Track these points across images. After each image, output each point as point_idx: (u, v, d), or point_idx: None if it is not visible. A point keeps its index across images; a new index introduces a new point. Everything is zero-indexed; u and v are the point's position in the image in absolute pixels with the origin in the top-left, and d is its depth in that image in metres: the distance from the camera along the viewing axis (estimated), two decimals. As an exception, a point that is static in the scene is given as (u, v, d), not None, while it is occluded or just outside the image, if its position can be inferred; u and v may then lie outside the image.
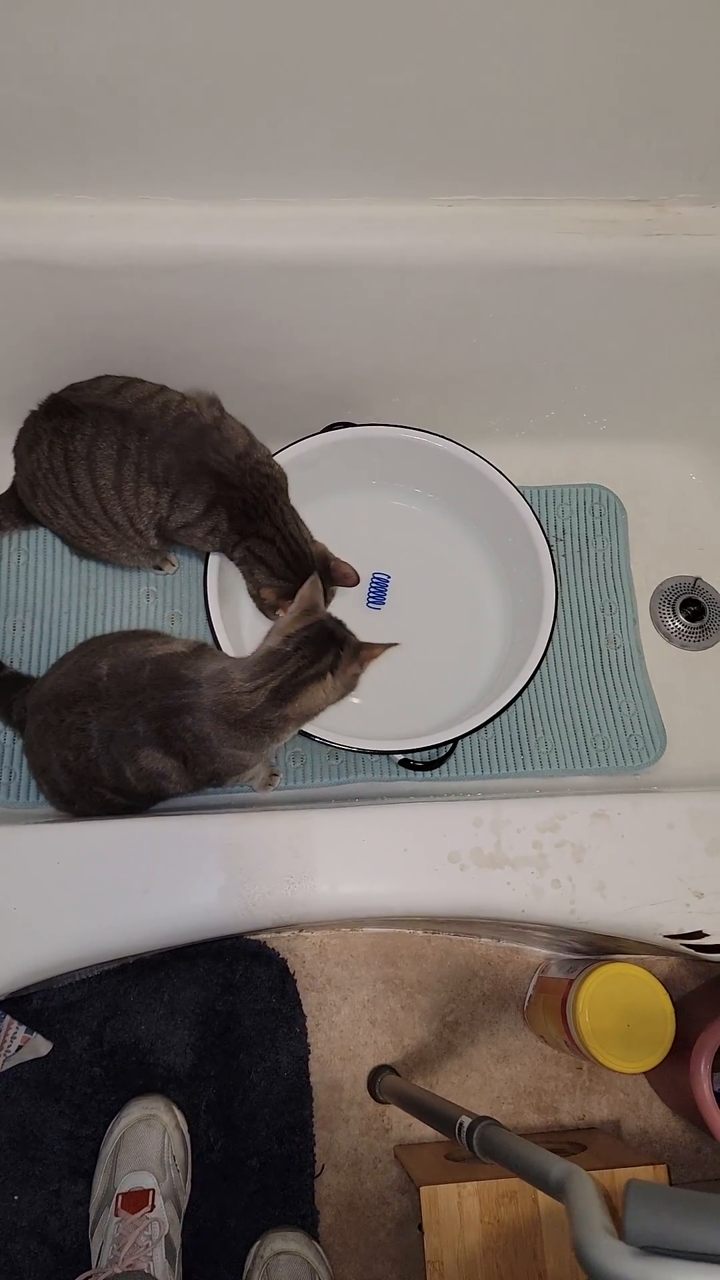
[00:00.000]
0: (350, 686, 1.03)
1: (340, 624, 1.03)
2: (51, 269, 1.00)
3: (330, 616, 1.02)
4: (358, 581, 1.15)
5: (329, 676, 0.97)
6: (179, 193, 0.99)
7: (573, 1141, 1.13)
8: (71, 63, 0.83)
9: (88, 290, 1.04)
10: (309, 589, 1.01)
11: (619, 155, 1.02)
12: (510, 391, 1.32)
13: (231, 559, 1.12)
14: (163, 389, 1.09)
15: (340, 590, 1.19)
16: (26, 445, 1.09)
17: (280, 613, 1.09)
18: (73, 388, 1.08)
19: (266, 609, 1.14)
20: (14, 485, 1.18)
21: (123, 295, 1.05)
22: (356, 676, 1.02)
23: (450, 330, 1.18)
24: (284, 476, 1.12)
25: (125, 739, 0.95)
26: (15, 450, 1.12)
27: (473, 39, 0.84)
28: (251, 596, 1.15)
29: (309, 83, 0.87)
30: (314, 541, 1.13)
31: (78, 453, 1.04)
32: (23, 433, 1.10)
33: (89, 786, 0.99)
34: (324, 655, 0.97)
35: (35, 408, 1.08)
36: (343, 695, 1.02)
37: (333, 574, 1.13)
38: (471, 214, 1.05)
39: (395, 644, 1.03)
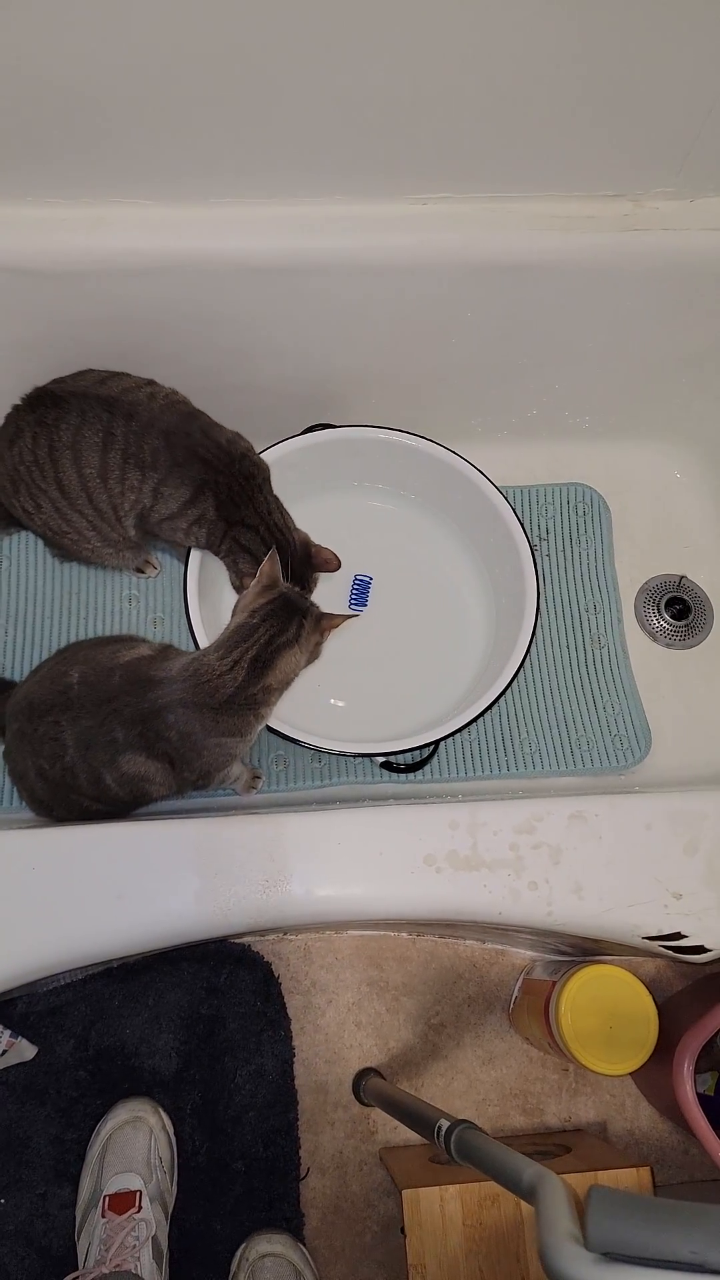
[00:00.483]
0: (315, 655, 1.03)
1: (302, 595, 1.03)
2: (24, 274, 0.99)
3: (290, 588, 1.03)
4: (339, 566, 1.14)
5: (298, 644, 0.99)
6: (151, 195, 0.98)
7: (559, 1144, 1.12)
8: (38, 66, 0.83)
9: (62, 295, 1.03)
10: (269, 564, 1.01)
11: (594, 150, 1.01)
12: (490, 391, 1.32)
13: (218, 553, 1.12)
14: (150, 382, 1.09)
15: (321, 594, 1.18)
16: (7, 440, 1.08)
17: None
18: (57, 381, 1.08)
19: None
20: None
21: (97, 299, 1.05)
22: (319, 645, 1.03)
23: (428, 330, 1.18)
24: (268, 468, 1.12)
25: (104, 746, 0.95)
26: (-7, 448, 1.12)
27: (442, 36, 0.84)
28: (234, 588, 1.14)
29: (278, 83, 0.87)
30: (296, 530, 1.13)
31: (62, 442, 1.04)
32: (3, 428, 1.09)
33: (66, 794, 0.99)
34: (290, 624, 0.98)
35: (18, 401, 1.08)
36: (309, 663, 1.03)
37: (314, 560, 1.13)
38: (446, 212, 1.05)
39: (355, 614, 1.04)
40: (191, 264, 1.01)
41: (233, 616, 1.01)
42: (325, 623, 1.02)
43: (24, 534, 1.27)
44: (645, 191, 1.06)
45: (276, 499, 1.11)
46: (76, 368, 1.10)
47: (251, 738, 1.02)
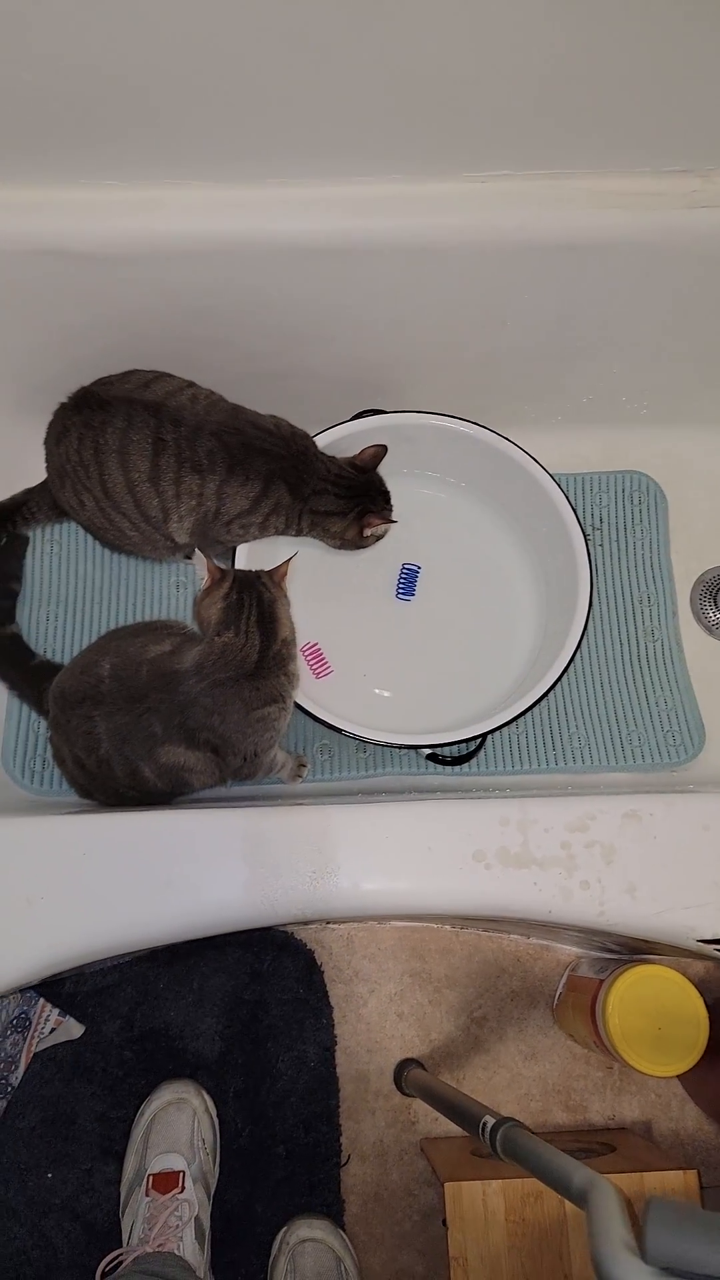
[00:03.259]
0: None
1: (247, 571, 1.07)
2: (77, 257, 0.99)
3: (235, 569, 1.07)
4: (384, 451, 1.14)
5: (278, 597, 1.05)
6: (204, 176, 0.97)
7: (602, 1142, 1.11)
8: (94, 50, 0.82)
9: (114, 278, 1.03)
10: (211, 564, 1.04)
11: (661, 123, 0.97)
12: (545, 375, 1.28)
13: (299, 532, 1.13)
14: (191, 384, 1.08)
15: (368, 583, 1.21)
16: (55, 437, 1.09)
17: (368, 532, 1.14)
18: (102, 382, 1.08)
19: (362, 544, 1.16)
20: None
21: (149, 282, 1.04)
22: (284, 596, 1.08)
23: (483, 312, 1.15)
24: (308, 433, 1.13)
25: (141, 740, 0.96)
26: (45, 442, 1.13)
27: (499, 6, 0.81)
28: (338, 548, 1.17)
29: (332, 60, 0.85)
30: (353, 460, 1.14)
31: (109, 446, 1.04)
32: (51, 425, 1.10)
33: (103, 782, 1.00)
34: (259, 586, 1.03)
35: (65, 400, 1.08)
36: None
37: (369, 463, 1.14)
38: (504, 190, 1.01)
39: (293, 555, 1.09)
40: (244, 246, 1.00)
41: (200, 615, 1.04)
42: (277, 575, 1.07)
43: (74, 522, 1.28)
44: (715, 166, 1.02)
45: (325, 455, 1.12)
46: (125, 353, 1.10)
47: (289, 705, 1.04)
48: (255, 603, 1.01)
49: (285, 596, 1.06)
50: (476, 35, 0.84)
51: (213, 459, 1.04)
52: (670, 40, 0.86)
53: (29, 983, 0.82)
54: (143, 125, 0.90)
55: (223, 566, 1.05)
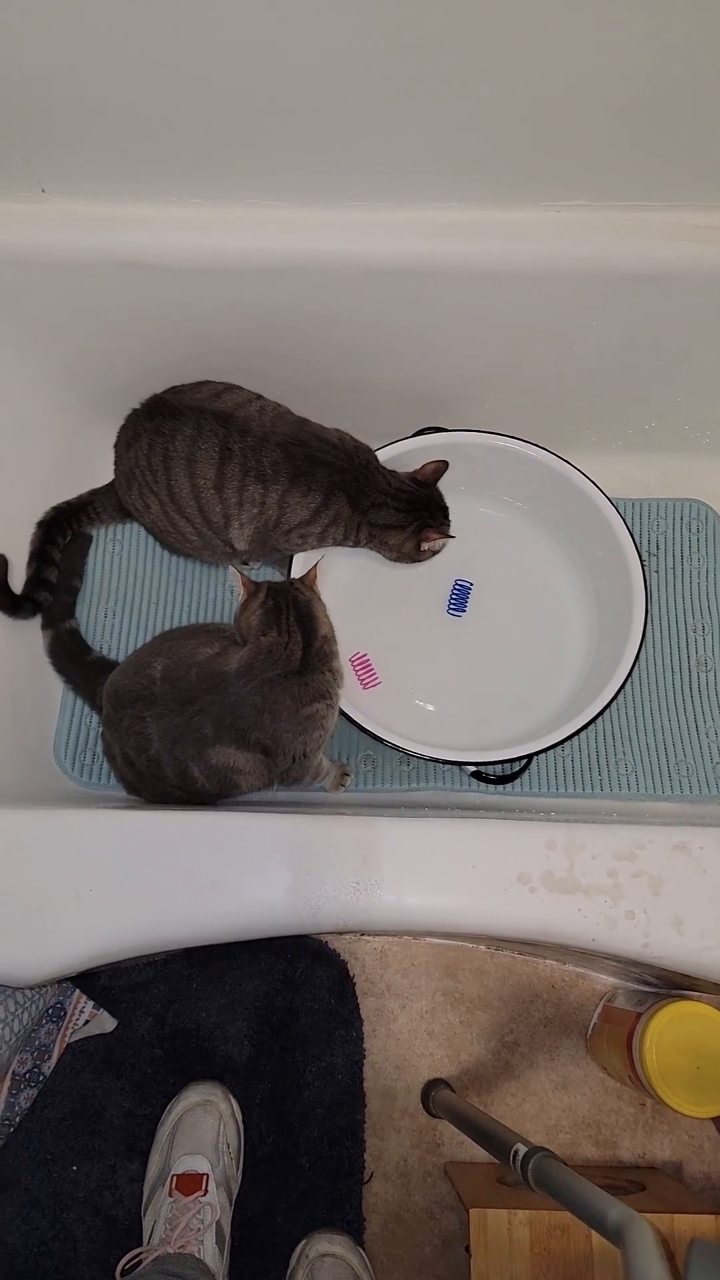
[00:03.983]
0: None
1: (278, 581, 1.09)
2: (160, 270, 1.02)
3: (267, 581, 1.09)
4: (445, 467, 1.15)
5: (313, 599, 1.07)
6: (286, 197, 0.99)
7: (631, 1180, 1.09)
8: (187, 75, 0.84)
9: (193, 291, 1.05)
10: (243, 579, 1.07)
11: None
12: (609, 401, 1.28)
13: (357, 543, 1.15)
14: (259, 396, 1.11)
15: (420, 598, 1.22)
16: (125, 442, 1.12)
17: (425, 546, 1.14)
18: (174, 390, 1.11)
19: (418, 557, 1.16)
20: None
21: (226, 297, 1.07)
22: (318, 598, 1.10)
23: (550, 338, 1.16)
24: (370, 448, 1.15)
25: (191, 741, 0.97)
26: (115, 445, 1.15)
27: (582, 38, 0.82)
28: (394, 560, 1.18)
29: (416, 88, 0.86)
30: (414, 475, 1.15)
31: (178, 453, 1.06)
32: (123, 430, 1.13)
33: (152, 781, 1.02)
34: (294, 591, 1.06)
35: (137, 406, 1.11)
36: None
37: (429, 478, 1.15)
38: (579, 220, 1.02)
39: (320, 557, 1.13)
40: (321, 265, 1.02)
41: (241, 626, 1.06)
42: (308, 578, 1.09)
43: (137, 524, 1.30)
44: (791, 201, 1.01)
45: (386, 470, 1.14)
46: (198, 364, 1.13)
47: (336, 703, 1.06)
48: (291, 605, 1.04)
49: (319, 598, 1.09)
50: (559, 67, 0.85)
51: (277, 469, 1.06)
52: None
53: (72, 972, 0.83)
54: (230, 147, 0.93)
55: (255, 581, 1.08)
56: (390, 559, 1.18)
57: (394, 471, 1.13)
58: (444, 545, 1.16)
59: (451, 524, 1.17)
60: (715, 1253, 0.46)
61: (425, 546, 1.13)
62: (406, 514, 1.12)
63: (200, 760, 0.98)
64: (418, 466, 1.15)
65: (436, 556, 1.19)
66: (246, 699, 0.98)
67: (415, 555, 1.16)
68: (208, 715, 0.98)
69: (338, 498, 1.08)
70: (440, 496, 1.15)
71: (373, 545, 1.16)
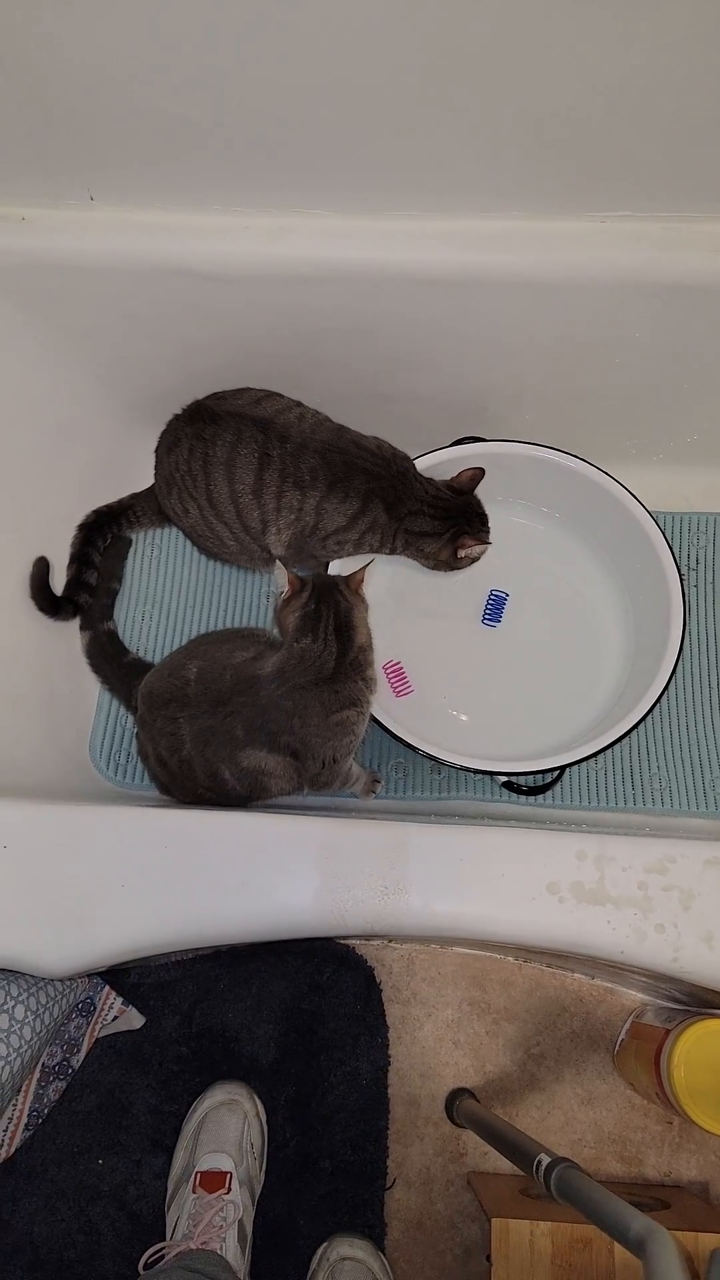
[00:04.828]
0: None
1: (322, 575, 1.09)
2: (205, 278, 1.03)
3: (316, 576, 1.08)
4: (481, 474, 1.15)
5: (355, 604, 1.06)
6: (331, 206, 1.01)
7: (655, 1197, 1.08)
8: (234, 83, 0.86)
9: (237, 299, 1.07)
10: (290, 575, 1.06)
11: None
12: (650, 413, 1.28)
13: (393, 551, 1.15)
14: (299, 404, 1.12)
15: (454, 607, 1.22)
16: (166, 447, 1.14)
17: (462, 553, 1.15)
18: (215, 396, 1.13)
19: (456, 565, 1.17)
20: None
21: (270, 304, 1.08)
22: (361, 603, 1.09)
23: (593, 349, 1.16)
24: (408, 456, 1.15)
25: (223, 743, 0.99)
26: (156, 450, 1.18)
27: (627, 50, 0.82)
28: (432, 568, 1.18)
29: (460, 98, 0.87)
30: (451, 482, 1.15)
31: (217, 458, 1.08)
32: (164, 434, 1.15)
33: (183, 782, 1.03)
34: (337, 594, 1.05)
35: (178, 411, 1.13)
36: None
37: (466, 486, 1.15)
38: (626, 231, 1.02)
39: (369, 562, 1.11)
40: (364, 274, 1.03)
41: (280, 622, 1.06)
42: (353, 582, 1.08)
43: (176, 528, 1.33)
44: None
45: (423, 477, 1.14)
46: (240, 370, 1.14)
47: (367, 710, 1.05)
48: (333, 611, 1.03)
49: (363, 603, 1.08)
50: (602, 77, 0.85)
51: (315, 475, 1.07)
52: None
53: (104, 965, 0.85)
54: (274, 157, 0.95)
55: (302, 575, 1.07)
56: (429, 567, 1.18)
57: (431, 479, 1.14)
58: (483, 552, 1.16)
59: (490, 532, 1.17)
60: (739, 1266, 0.46)
61: (462, 554, 1.14)
62: (443, 521, 1.12)
63: (231, 762, 0.99)
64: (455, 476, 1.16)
65: (473, 566, 1.19)
66: (278, 703, 0.99)
67: (453, 563, 1.16)
68: (239, 717, 0.99)
69: (374, 505, 1.09)
70: (479, 504, 1.16)
71: (409, 553, 1.16)
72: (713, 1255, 0.47)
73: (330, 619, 1.03)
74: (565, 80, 0.86)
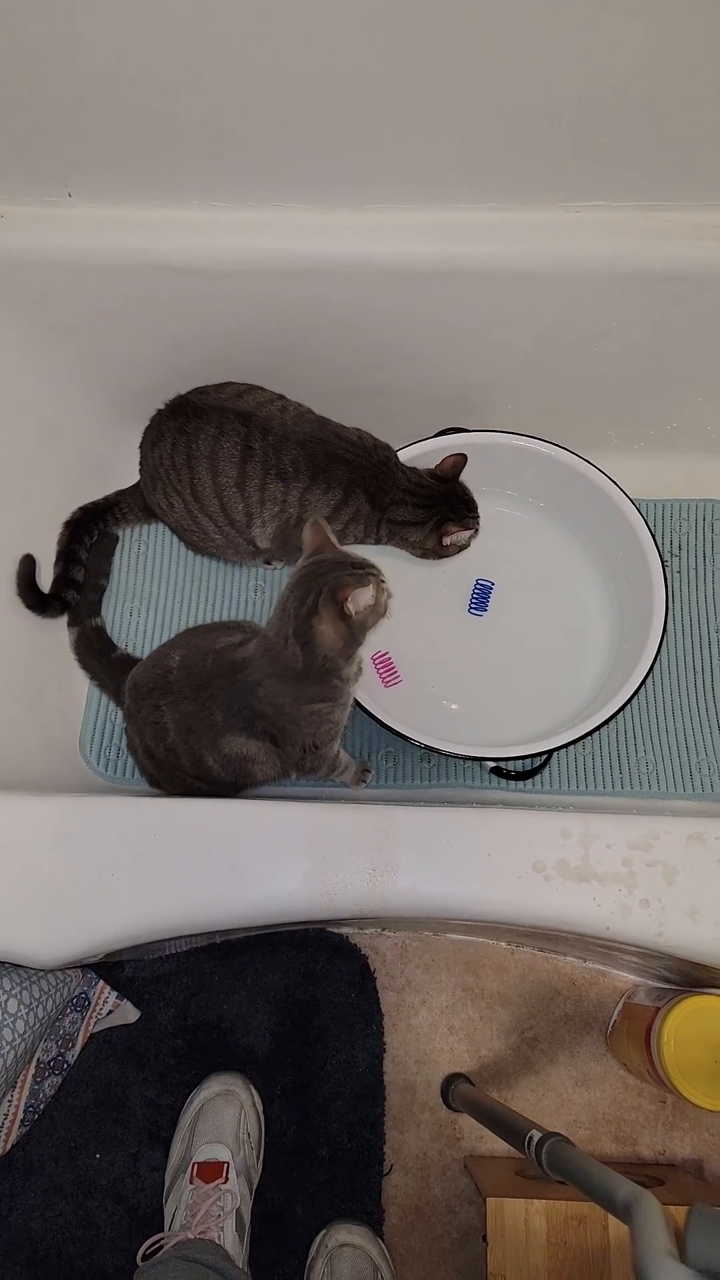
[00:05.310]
0: (378, 613, 0.97)
1: (340, 562, 0.96)
2: (185, 273, 1.04)
3: (333, 554, 0.98)
4: (464, 461, 1.14)
5: (320, 613, 0.94)
6: (310, 200, 1.02)
7: (650, 1176, 1.08)
8: (210, 77, 0.87)
9: (218, 294, 1.08)
10: (309, 531, 0.99)
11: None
12: (631, 401, 1.29)
13: (378, 540, 1.16)
14: (281, 396, 1.13)
15: (441, 597, 1.22)
16: (150, 442, 1.15)
17: (447, 540, 1.14)
18: (198, 391, 1.13)
19: (444, 552, 1.16)
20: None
21: (250, 299, 1.09)
22: (340, 621, 0.94)
23: (573, 338, 1.17)
24: (390, 446, 1.15)
25: (204, 730, 0.98)
26: (141, 446, 1.18)
27: (599, 40, 0.83)
28: (420, 557, 1.18)
29: (435, 91, 0.88)
30: (434, 471, 1.15)
31: (200, 451, 1.09)
32: (148, 430, 1.16)
33: (171, 772, 1.03)
34: (310, 593, 0.95)
35: (162, 406, 1.14)
36: (374, 622, 0.97)
37: (449, 473, 1.15)
38: (600, 220, 1.03)
39: (372, 570, 0.98)
40: (344, 267, 1.04)
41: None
42: (342, 593, 0.92)
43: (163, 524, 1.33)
44: None
45: (406, 466, 1.15)
46: (223, 365, 1.15)
47: (345, 704, 1.02)
48: (295, 612, 0.95)
49: (341, 620, 0.94)
50: (576, 72, 0.87)
51: (297, 467, 1.08)
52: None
53: (93, 955, 0.85)
54: (252, 151, 0.96)
55: (319, 555, 0.98)
56: (416, 555, 1.19)
57: (414, 469, 1.15)
58: (470, 538, 1.17)
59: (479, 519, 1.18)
60: (713, 1215, 0.47)
61: (447, 541, 1.14)
62: (426, 510, 1.13)
63: (214, 749, 0.99)
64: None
65: (460, 555, 1.20)
66: (253, 688, 0.97)
67: (440, 551, 1.17)
68: (217, 702, 0.98)
69: (357, 495, 1.10)
70: (464, 490, 1.16)
71: (395, 542, 1.17)
72: (691, 1210, 0.48)
73: (294, 620, 0.95)
74: (540, 72, 0.87)
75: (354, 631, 0.96)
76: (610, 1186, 0.63)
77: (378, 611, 0.97)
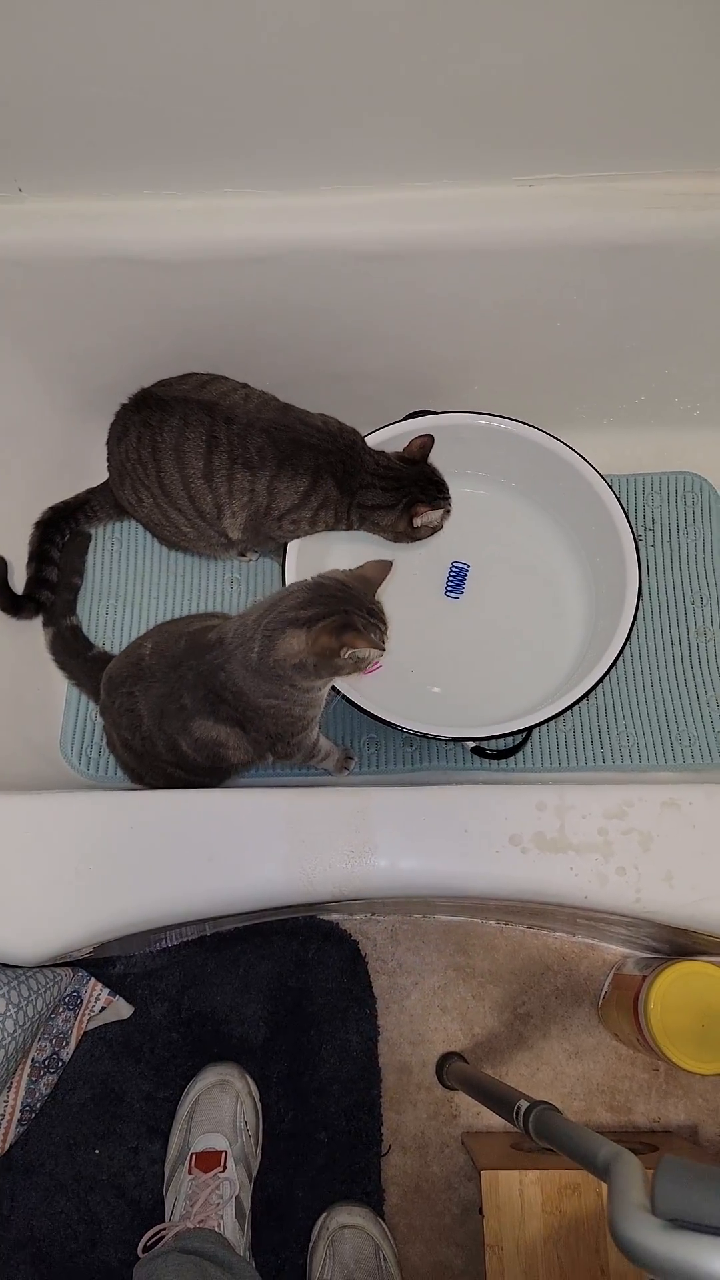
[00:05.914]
0: (319, 658, 0.92)
1: (363, 604, 0.95)
2: (142, 264, 1.04)
3: (364, 590, 0.97)
4: (431, 442, 1.14)
5: (306, 630, 0.92)
6: (264, 184, 1.01)
7: (645, 1143, 1.09)
8: (155, 62, 0.87)
9: (176, 284, 1.08)
10: (377, 567, 1.00)
11: (709, 123, 0.98)
12: (597, 377, 1.29)
13: (350, 526, 1.15)
14: (245, 385, 1.13)
15: (416, 581, 1.22)
16: (116, 437, 1.15)
17: (418, 522, 1.13)
18: (161, 383, 1.13)
19: (416, 534, 1.16)
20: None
21: (209, 288, 1.09)
22: (328, 652, 0.92)
23: (534, 314, 1.17)
24: (357, 430, 1.15)
25: (175, 714, 0.98)
26: (107, 442, 1.18)
27: (543, 11, 0.83)
28: (393, 541, 1.18)
29: (384, 70, 0.88)
30: (401, 454, 1.15)
31: (165, 444, 1.09)
32: (113, 425, 1.16)
33: (150, 762, 1.03)
34: (317, 605, 0.93)
35: (126, 401, 1.14)
36: (314, 666, 0.93)
37: (417, 455, 1.14)
38: (554, 193, 1.03)
39: (382, 626, 0.96)
40: (302, 250, 1.03)
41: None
42: (347, 636, 0.91)
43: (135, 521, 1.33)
44: (769, 165, 1.02)
45: (373, 450, 1.14)
46: (184, 355, 1.15)
47: (307, 704, 0.98)
48: (278, 609, 0.94)
49: (317, 649, 0.92)
50: (523, 44, 0.87)
51: (263, 455, 1.08)
52: (715, 40, 0.87)
53: (74, 949, 0.85)
54: (202, 136, 0.95)
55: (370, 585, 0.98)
56: (390, 540, 1.18)
57: (382, 452, 1.15)
58: (443, 519, 1.16)
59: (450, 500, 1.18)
60: (681, 1165, 0.47)
61: (418, 522, 1.14)
62: (395, 493, 1.13)
63: (185, 734, 0.99)
64: (405, 447, 1.17)
65: (434, 539, 1.20)
66: (215, 671, 0.96)
67: (412, 533, 1.16)
68: (185, 683, 0.97)
69: (325, 480, 1.10)
70: (433, 471, 1.16)
71: (366, 527, 1.17)
72: (660, 1160, 0.48)
73: (277, 613, 0.94)
74: (486, 46, 0.87)
75: (321, 667, 0.93)
76: (592, 1148, 0.63)
77: (357, 665, 0.96)
